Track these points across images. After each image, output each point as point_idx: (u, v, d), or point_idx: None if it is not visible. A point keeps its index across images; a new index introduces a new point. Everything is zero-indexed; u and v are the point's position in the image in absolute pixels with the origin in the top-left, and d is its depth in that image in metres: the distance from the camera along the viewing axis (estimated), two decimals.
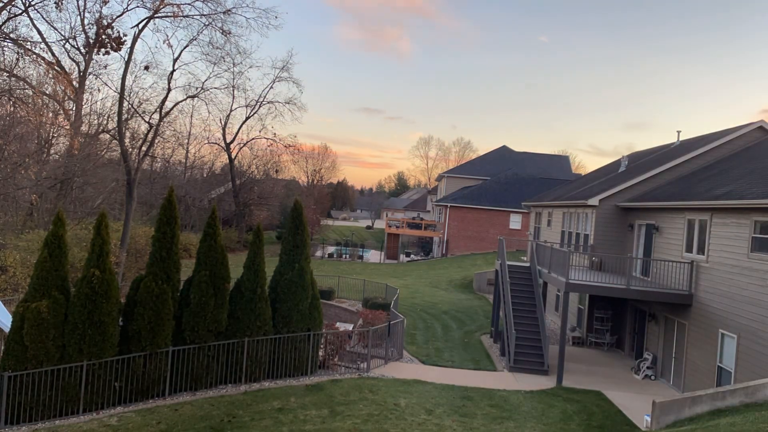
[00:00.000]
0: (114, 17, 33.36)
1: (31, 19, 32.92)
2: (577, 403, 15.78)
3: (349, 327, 22.95)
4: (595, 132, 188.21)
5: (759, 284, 14.38)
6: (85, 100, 37.82)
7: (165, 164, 60.00)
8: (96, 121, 41.97)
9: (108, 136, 41.01)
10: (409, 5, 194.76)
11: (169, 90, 37.22)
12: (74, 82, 34.79)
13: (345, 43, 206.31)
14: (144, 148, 37.21)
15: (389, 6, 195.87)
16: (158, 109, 37.11)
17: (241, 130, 64.22)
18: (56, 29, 69.94)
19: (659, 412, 11.75)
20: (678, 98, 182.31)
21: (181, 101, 41.73)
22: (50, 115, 36.49)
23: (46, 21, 34.84)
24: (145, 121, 38.40)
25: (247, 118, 62.69)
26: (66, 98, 35.78)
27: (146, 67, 36.87)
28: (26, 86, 31.60)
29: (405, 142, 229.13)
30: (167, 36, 64.20)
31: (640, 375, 19.24)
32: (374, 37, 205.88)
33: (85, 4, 34.74)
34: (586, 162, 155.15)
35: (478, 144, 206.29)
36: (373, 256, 57.80)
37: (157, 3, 33.69)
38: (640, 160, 28.35)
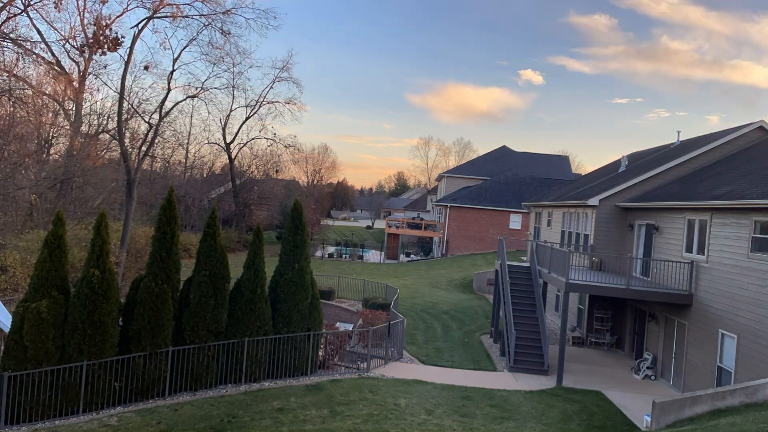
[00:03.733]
0: (113, 17, 33.47)
1: (30, 19, 33.06)
2: (577, 403, 15.78)
3: (349, 327, 22.97)
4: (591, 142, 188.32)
5: (759, 284, 14.37)
6: (85, 100, 37.88)
7: (165, 164, 60.06)
8: (96, 121, 42.08)
9: (108, 136, 41.07)
10: None
11: (168, 90, 37.33)
12: (74, 82, 34.82)
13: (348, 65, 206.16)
14: (144, 148, 37.25)
15: None
16: (158, 109, 37.18)
17: (241, 130, 64.31)
18: (56, 29, 70.07)
19: (659, 412, 11.75)
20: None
21: (181, 101, 41.89)
22: (50, 115, 36.56)
23: (46, 21, 35.08)
24: (144, 121, 38.50)
25: (247, 118, 62.72)
26: (66, 98, 35.82)
27: (146, 67, 37.05)
28: (26, 86, 31.64)
29: (405, 142, 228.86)
30: (167, 36, 64.26)
31: (640, 375, 19.24)
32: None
33: (84, 4, 34.81)
34: (586, 162, 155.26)
35: (478, 144, 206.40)
36: (373, 256, 57.78)
37: (157, 3, 33.76)
38: (640, 160, 28.34)
